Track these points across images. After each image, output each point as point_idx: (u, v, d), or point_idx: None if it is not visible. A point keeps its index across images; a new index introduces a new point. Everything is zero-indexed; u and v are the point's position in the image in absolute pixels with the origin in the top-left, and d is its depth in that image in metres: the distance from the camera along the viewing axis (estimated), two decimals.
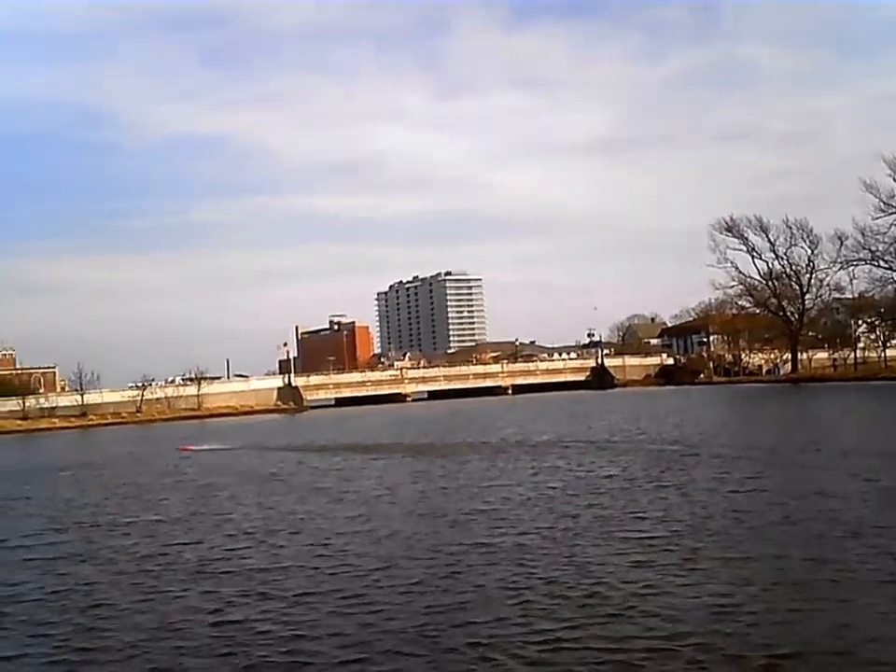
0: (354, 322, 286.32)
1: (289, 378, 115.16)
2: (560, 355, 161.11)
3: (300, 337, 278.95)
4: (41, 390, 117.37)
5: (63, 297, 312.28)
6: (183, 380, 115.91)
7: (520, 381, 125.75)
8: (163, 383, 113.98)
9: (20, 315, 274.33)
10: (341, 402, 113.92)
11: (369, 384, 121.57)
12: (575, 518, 18.46)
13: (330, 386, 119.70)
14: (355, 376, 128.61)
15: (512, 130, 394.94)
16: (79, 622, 12.59)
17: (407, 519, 19.92)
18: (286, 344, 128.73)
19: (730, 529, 16.41)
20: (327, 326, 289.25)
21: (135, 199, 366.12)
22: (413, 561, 15.18)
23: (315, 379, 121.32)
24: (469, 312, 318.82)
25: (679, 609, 11.35)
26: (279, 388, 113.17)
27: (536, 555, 14.97)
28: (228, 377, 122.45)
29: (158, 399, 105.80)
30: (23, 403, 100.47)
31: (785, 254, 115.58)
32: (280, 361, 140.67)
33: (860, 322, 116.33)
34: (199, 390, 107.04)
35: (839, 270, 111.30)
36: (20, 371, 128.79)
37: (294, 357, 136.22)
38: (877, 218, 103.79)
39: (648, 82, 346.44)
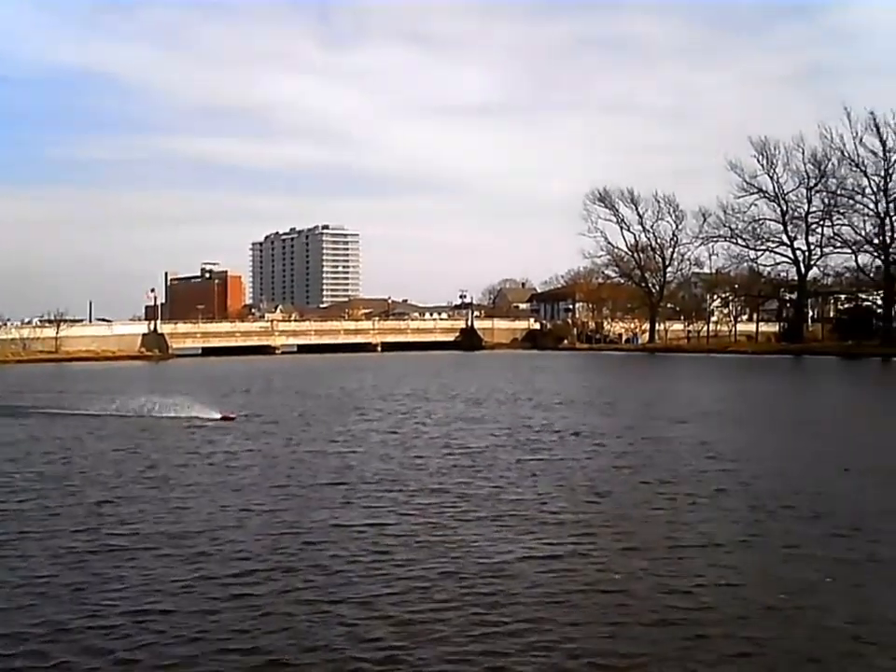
0: (227, 271, 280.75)
1: (155, 325, 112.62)
2: (431, 315, 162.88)
3: (169, 283, 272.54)
4: None
5: None
6: (41, 321, 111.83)
7: (390, 339, 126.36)
8: (19, 323, 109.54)
9: None
10: (208, 352, 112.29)
11: (238, 334, 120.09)
12: None
13: (198, 335, 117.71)
14: (224, 326, 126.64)
15: (403, 85, 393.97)
16: None
17: None
18: (153, 290, 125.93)
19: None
20: (198, 273, 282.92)
21: (13, 130, 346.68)
22: None
23: (182, 327, 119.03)
24: (344, 267, 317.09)
25: None
26: (144, 335, 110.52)
27: None
28: (90, 321, 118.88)
29: (12, 339, 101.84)
30: None
31: (652, 227, 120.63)
32: (147, 307, 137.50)
33: (715, 297, 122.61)
34: (57, 332, 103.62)
35: (700, 245, 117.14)
36: None
37: (162, 304, 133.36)
38: (739, 197, 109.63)
39: (539, 47, 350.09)
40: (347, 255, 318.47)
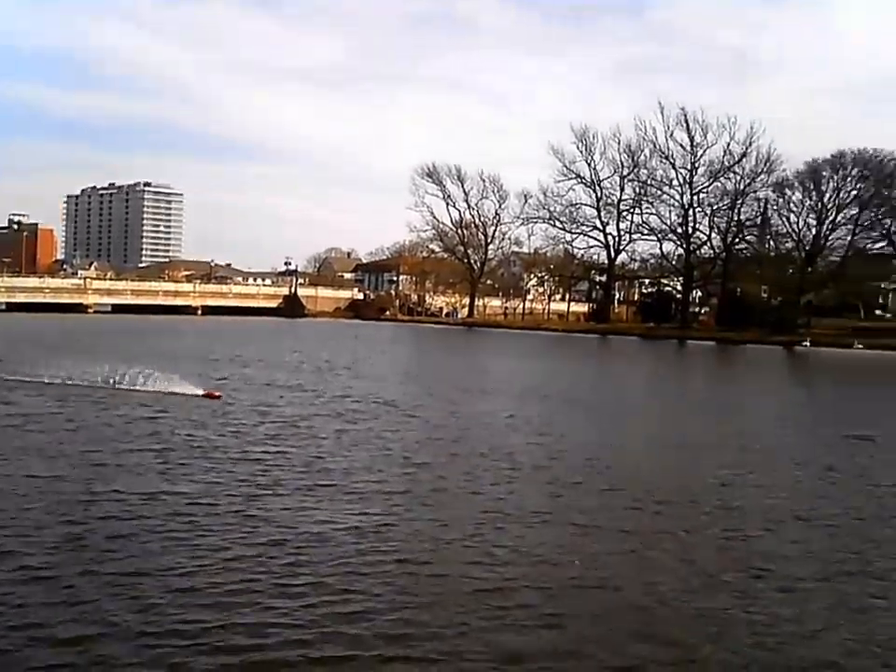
0: (37, 224, 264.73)
1: None
2: (255, 280, 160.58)
3: None
4: None
5: None
6: None
7: (211, 302, 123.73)
8: None
9: None
10: (13, 308, 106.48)
11: (47, 290, 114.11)
12: None
13: (2, 289, 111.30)
14: (31, 281, 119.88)
15: (237, 46, 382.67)
16: None
17: None
18: None
19: None
20: (5, 224, 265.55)
21: None
22: None
23: None
24: (166, 227, 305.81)
25: None
26: None
27: None
28: None
29: None
30: None
31: (476, 205, 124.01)
32: None
33: (532, 276, 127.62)
34: None
35: (520, 225, 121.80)
36: None
37: None
38: (559, 182, 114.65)
39: (378, 20, 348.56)
40: (170, 214, 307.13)
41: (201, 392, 25.84)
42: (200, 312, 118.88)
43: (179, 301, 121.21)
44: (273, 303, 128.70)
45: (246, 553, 11.00)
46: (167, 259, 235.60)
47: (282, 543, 11.46)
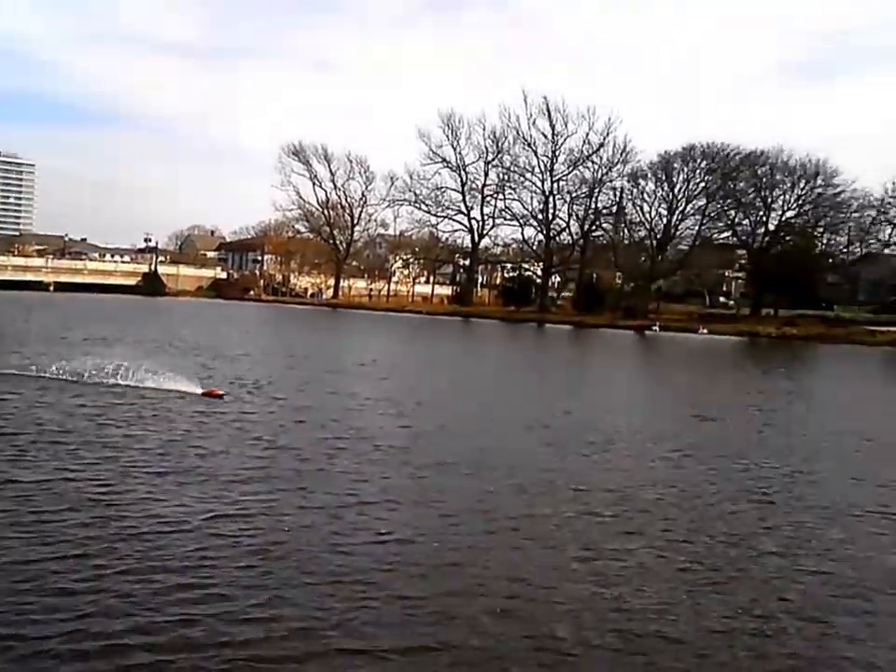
0: None
1: None
2: (113, 256, 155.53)
3: None
4: None
5: None
6: None
7: (65, 279, 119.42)
8: None
9: None
10: None
11: None
12: None
13: None
14: None
15: (93, 10, 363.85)
16: None
17: None
18: None
19: None
20: None
21: None
22: None
23: None
24: (15, 198, 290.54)
25: None
26: None
27: None
28: None
29: None
30: None
31: (343, 186, 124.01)
32: None
33: (397, 258, 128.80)
34: None
35: (386, 207, 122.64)
36: None
37: None
38: (425, 165, 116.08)
39: None
40: (20, 186, 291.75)
41: (200, 391, 23.66)
42: (52, 288, 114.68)
43: (30, 277, 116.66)
44: (132, 281, 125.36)
45: (96, 545, 10.44)
46: (17, 233, 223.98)
47: (134, 534, 10.98)
